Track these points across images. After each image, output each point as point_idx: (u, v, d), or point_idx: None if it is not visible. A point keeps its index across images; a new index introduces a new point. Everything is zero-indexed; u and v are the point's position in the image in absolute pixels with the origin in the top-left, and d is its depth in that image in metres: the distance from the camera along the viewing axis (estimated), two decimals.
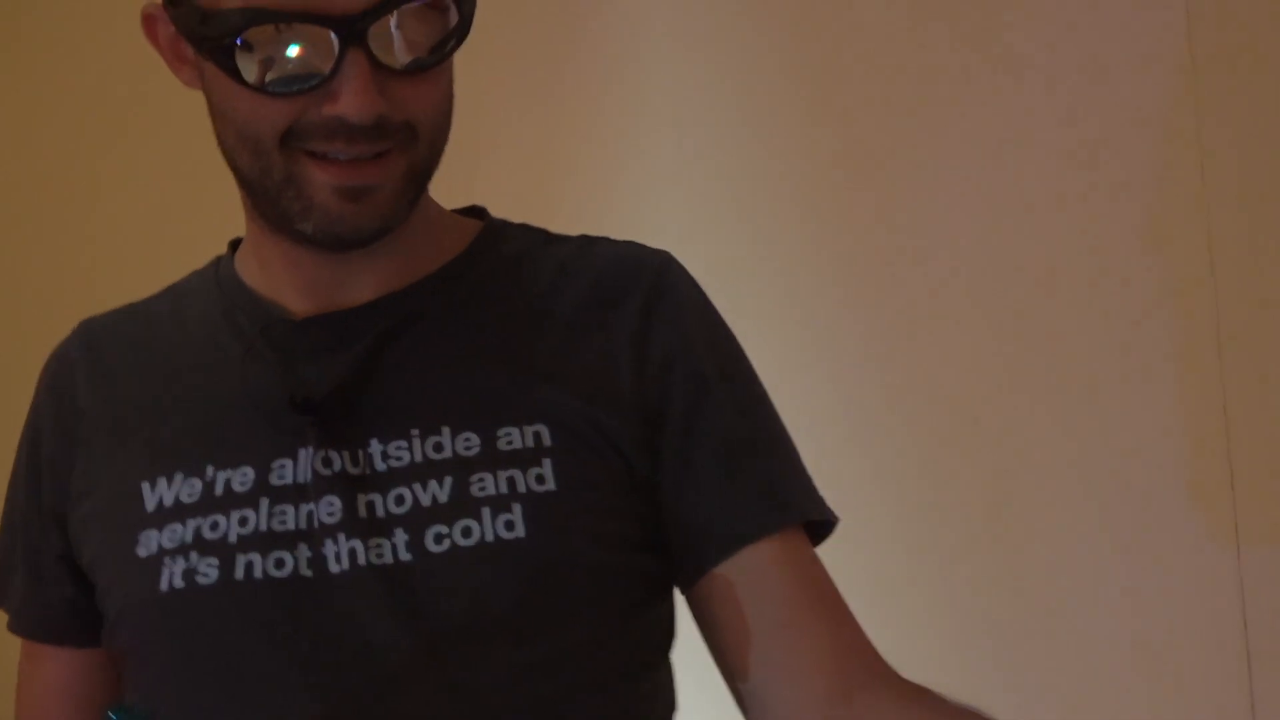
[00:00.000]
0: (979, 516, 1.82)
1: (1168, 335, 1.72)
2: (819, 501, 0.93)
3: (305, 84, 0.83)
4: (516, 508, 0.85)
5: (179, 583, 0.86)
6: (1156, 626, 1.71)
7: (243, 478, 0.88)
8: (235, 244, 1.00)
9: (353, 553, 0.85)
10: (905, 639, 1.01)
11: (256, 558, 0.86)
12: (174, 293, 1.02)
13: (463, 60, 0.89)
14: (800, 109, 1.97)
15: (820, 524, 0.93)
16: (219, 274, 0.99)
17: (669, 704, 0.95)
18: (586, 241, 0.98)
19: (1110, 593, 1.73)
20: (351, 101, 0.82)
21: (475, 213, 1.01)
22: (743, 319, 0.99)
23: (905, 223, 1.87)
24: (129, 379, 0.97)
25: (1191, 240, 1.69)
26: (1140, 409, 1.72)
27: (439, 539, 0.85)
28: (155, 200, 2.33)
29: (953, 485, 1.83)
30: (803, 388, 1.76)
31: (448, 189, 0.97)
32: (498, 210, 1.02)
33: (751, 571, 0.88)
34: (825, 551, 0.92)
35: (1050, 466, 1.78)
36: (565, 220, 1.02)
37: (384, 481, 0.87)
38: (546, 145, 2.11)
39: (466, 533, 0.85)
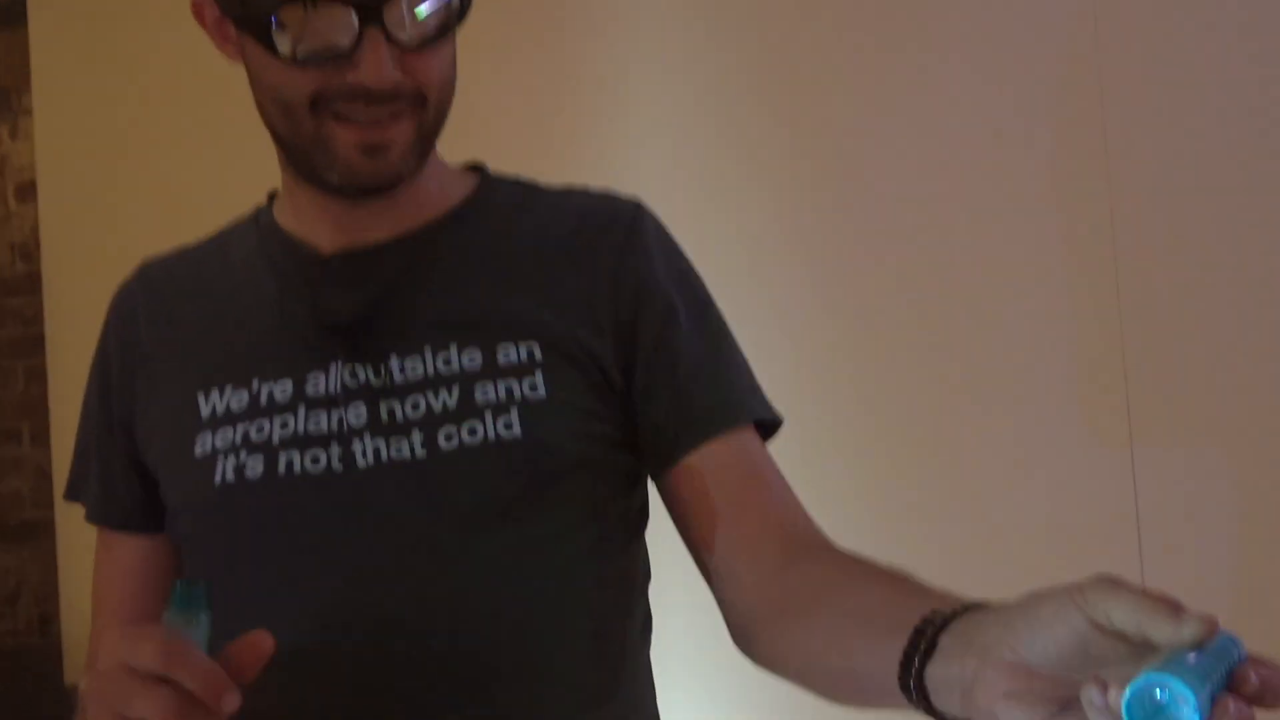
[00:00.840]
0: (922, 426, 1.99)
1: (1069, 285, 1.90)
2: (767, 405, 1.05)
3: (330, 56, 0.93)
4: (514, 411, 0.97)
5: (230, 477, 0.97)
6: (1062, 515, 1.88)
7: (283, 389, 0.99)
8: (273, 195, 1.11)
9: (377, 450, 0.96)
10: (856, 528, 1.13)
11: (296, 455, 0.97)
12: (221, 237, 1.13)
13: (467, 37, 1.00)
14: (766, 109, 2.13)
15: (769, 424, 1.05)
16: (259, 220, 1.10)
17: (645, 571, 1.08)
18: (569, 191, 1.10)
19: (1029, 491, 1.91)
20: (370, 71, 0.93)
21: (475, 168, 1.13)
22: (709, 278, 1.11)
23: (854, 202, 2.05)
24: (183, 310, 1.08)
25: (1096, 186, 1.85)
26: (1048, 344, 1.90)
27: (449, 438, 0.96)
28: (208, 159, 2.49)
29: (900, 405, 2.01)
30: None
31: (454, 147, 1.09)
32: (495, 165, 1.14)
33: (711, 462, 1.00)
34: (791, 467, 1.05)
35: (979, 392, 1.96)
36: (551, 176, 1.14)
37: (402, 391, 0.98)
38: (538, 107, 2.26)
39: (472, 432, 0.96)
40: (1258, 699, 0.62)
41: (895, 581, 0.88)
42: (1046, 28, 1.92)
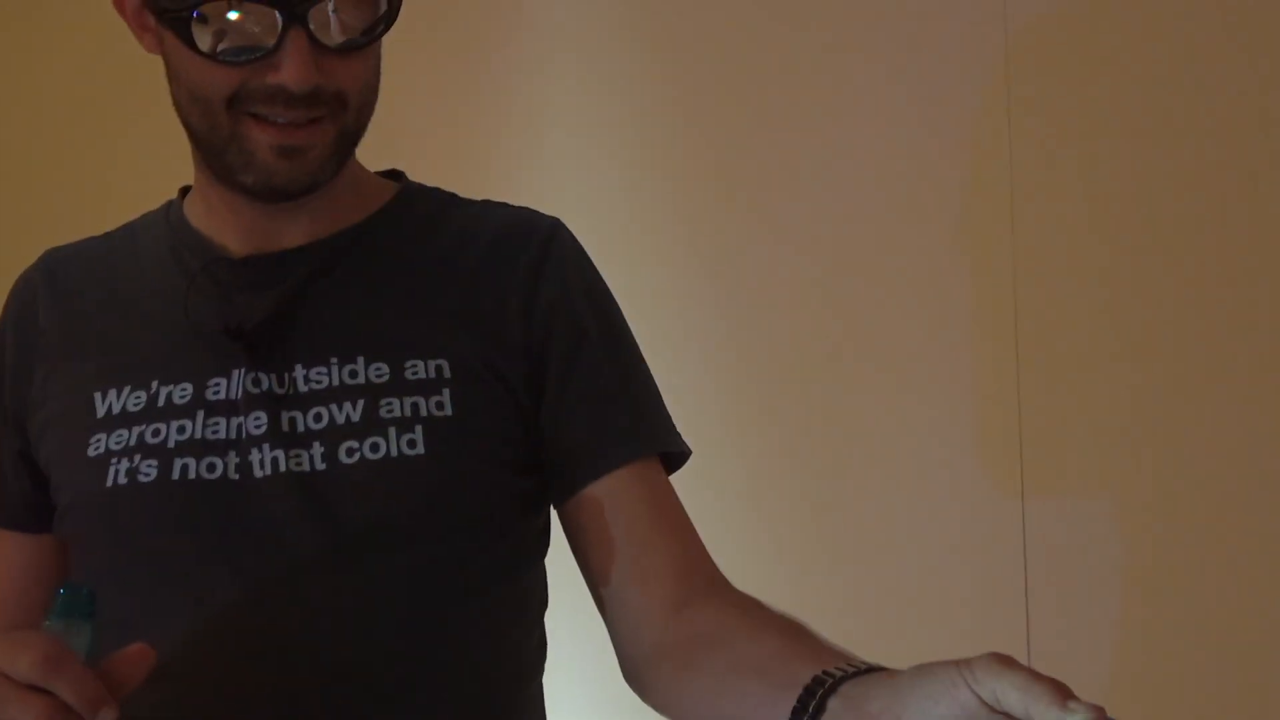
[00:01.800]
0: (816, 471, 2.02)
1: (969, 320, 1.92)
2: (675, 436, 1.04)
3: (251, 55, 0.91)
4: (418, 429, 0.95)
5: (123, 480, 0.94)
6: (951, 560, 1.90)
7: (182, 392, 0.97)
8: (185, 190, 1.08)
9: (275, 461, 0.94)
10: (751, 566, 1.13)
11: (191, 461, 0.94)
12: (129, 229, 1.09)
13: (392, 42, 0.99)
14: (672, 114, 2.13)
15: (675, 457, 1.04)
16: (169, 215, 1.07)
17: (542, 599, 1.07)
18: (488, 205, 1.09)
19: (918, 535, 1.93)
20: (291, 73, 0.91)
21: (394, 175, 1.11)
22: (622, 288, 1.11)
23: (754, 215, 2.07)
24: (85, 302, 1.04)
25: (998, 241, 1.88)
26: (943, 387, 1.93)
27: (350, 452, 0.94)
28: (117, 151, 2.43)
29: (797, 439, 2.03)
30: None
31: (372, 154, 1.07)
32: (414, 175, 1.12)
33: (614, 493, 0.99)
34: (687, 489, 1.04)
35: (870, 434, 1.98)
36: (471, 189, 1.13)
37: (305, 401, 0.96)
38: (460, 120, 2.26)
39: (374, 448, 0.94)
40: None
41: (790, 634, 0.88)
42: (956, 52, 1.96)
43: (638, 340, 1.08)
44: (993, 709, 0.65)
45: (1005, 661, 0.65)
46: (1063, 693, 0.63)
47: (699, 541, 1.02)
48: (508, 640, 1.01)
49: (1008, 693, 0.63)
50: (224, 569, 0.94)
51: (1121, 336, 1.87)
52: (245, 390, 0.97)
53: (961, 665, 0.66)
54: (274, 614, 0.93)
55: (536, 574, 1.06)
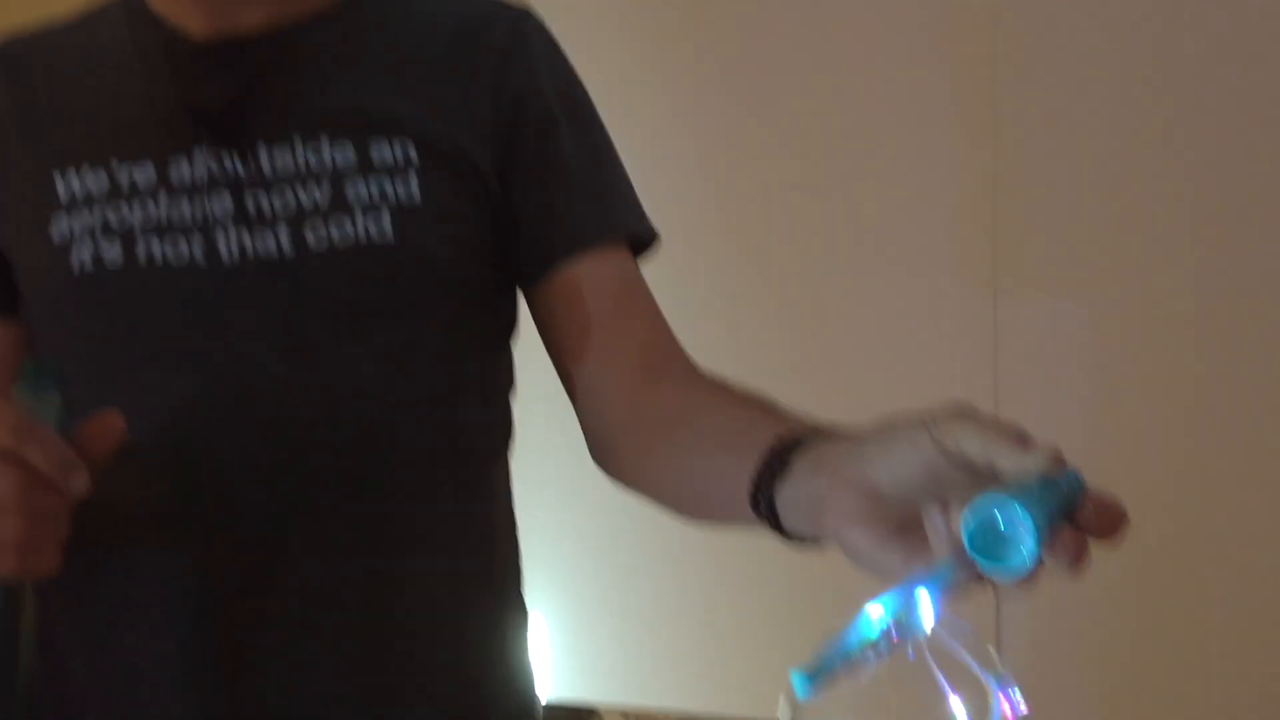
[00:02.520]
0: (789, 261, 2.04)
1: (948, 117, 1.92)
2: (644, 221, 1.05)
3: None
4: (385, 212, 0.95)
5: (89, 266, 0.94)
6: (922, 357, 1.93)
7: (145, 174, 0.96)
8: None
9: (241, 244, 0.94)
10: (723, 357, 1.14)
11: (156, 243, 0.94)
12: (88, 16, 1.07)
13: None
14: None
15: (645, 243, 1.04)
16: (129, 1, 1.04)
17: (509, 381, 1.08)
18: None
19: (889, 332, 1.96)
20: None
21: None
22: None
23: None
24: (45, 86, 1.03)
25: (979, 35, 1.88)
26: (920, 185, 1.95)
27: (317, 235, 0.94)
28: None
29: (771, 228, 2.06)
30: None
31: None
32: None
33: (582, 276, 1.00)
34: None
35: (846, 230, 2.00)
36: None
37: (269, 182, 0.95)
38: None
39: (341, 232, 0.94)
40: (1094, 532, 0.64)
41: (756, 405, 0.88)
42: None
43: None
44: (954, 459, 0.66)
45: (967, 411, 0.66)
46: (1023, 440, 0.64)
47: (666, 324, 1.02)
48: (474, 421, 1.02)
49: (969, 439, 0.64)
50: (191, 353, 0.94)
51: (1101, 138, 1.87)
52: (209, 171, 0.96)
53: (924, 417, 0.67)
54: (239, 397, 0.93)
55: (503, 357, 1.07)
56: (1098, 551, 0.64)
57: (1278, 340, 1.79)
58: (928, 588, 0.61)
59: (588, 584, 2.21)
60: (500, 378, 1.07)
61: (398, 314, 0.96)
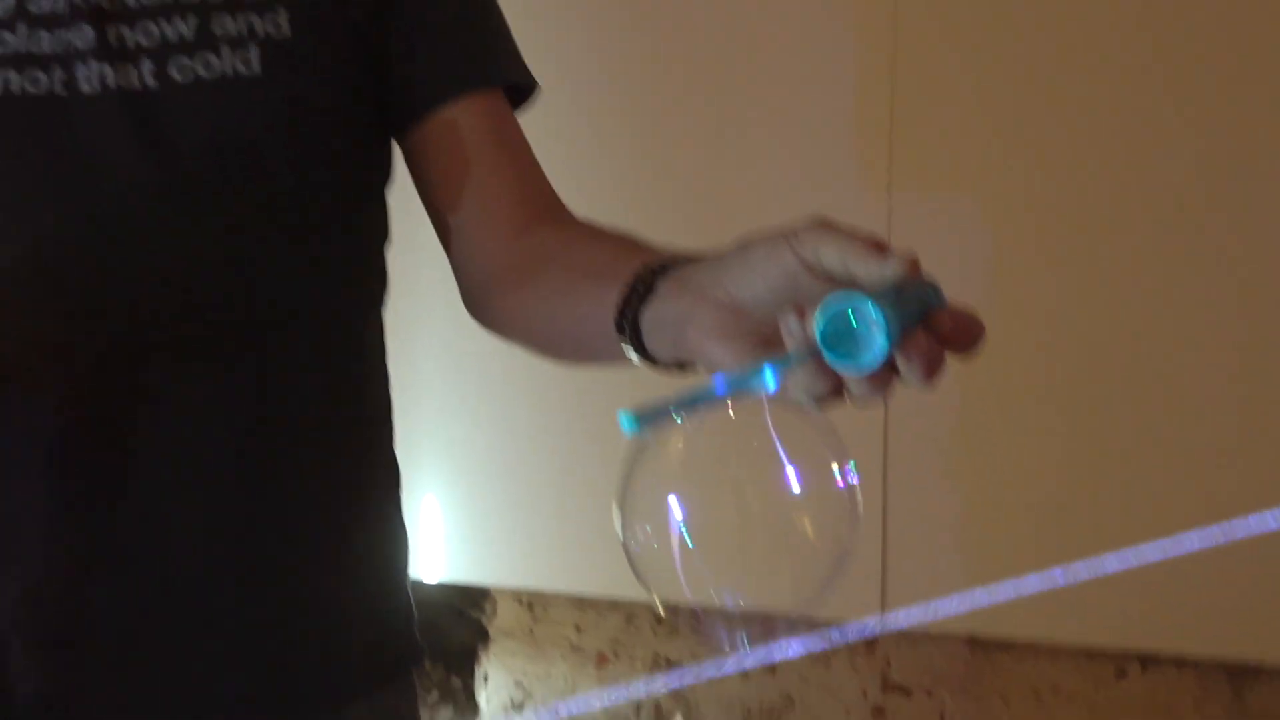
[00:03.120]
0: (680, 146, 2.03)
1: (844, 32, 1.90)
2: (523, 69, 1.03)
3: None
4: (254, 48, 0.92)
5: None
6: None
7: (2, 4, 0.92)
8: None
9: (103, 76, 0.91)
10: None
11: (14, 75, 0.91)
12: None
13: None
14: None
15: (523, 95, 1.03)
16: None
17: (383, 231, 1.06)
18: None
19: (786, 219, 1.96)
20: None
21: None
22: None
23: None
24: None
25: None
26: (818, 75, 1.94)
27: (182, 70, 0.91)
28: None
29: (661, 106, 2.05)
30: None
31: None
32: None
33: (456, 121, 0.98)
34: None
35: (740, 117, 1.99)
36: None
37: (133, 15, 0.92)
38: None
39: (208, 66, 0.91)
40: (949, 341, 0.65)
41: (628, 241, 0.89)
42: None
43: None
44: (815, 271, 0.66)
45: (826, 222, 0.67)
46: (879, 247, 0.65)
47: (541, 172, 1.02)
48: (346, 271, 1.01)
49: (828, 250, 0.65)
50: (49, 194, 0.91)
51: (997, 38, 1.86)
52: (69, 3, 0.92)
53: (785, 230, 0.68)
54: (96, 237, 0.91)
55: (376, 205, 1.05)
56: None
57: (1169, 236, 1.82)
58: (771, 367, 0.63)
59: (482, 464, 2.21)
60: (374, 226, 1.05)
61: (265, 154, 0.93)
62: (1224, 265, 1.79)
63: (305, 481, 0.98)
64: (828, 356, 0.62)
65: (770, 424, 0.65)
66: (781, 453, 0.65)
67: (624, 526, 0.67)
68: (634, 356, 0.79)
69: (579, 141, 2.06)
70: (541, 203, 0.99)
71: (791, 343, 0.64)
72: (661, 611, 0.68)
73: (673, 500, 0.65)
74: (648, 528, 0.66)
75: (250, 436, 0.94)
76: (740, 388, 0.63)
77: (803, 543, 0.66)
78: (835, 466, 0.66)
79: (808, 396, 0.66)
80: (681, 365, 0.77)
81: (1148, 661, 1.96)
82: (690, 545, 0.65)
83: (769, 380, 0.63)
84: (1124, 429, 1.85)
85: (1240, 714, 1.92)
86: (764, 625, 0.68)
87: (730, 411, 0.66)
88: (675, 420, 0.64)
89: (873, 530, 1.96)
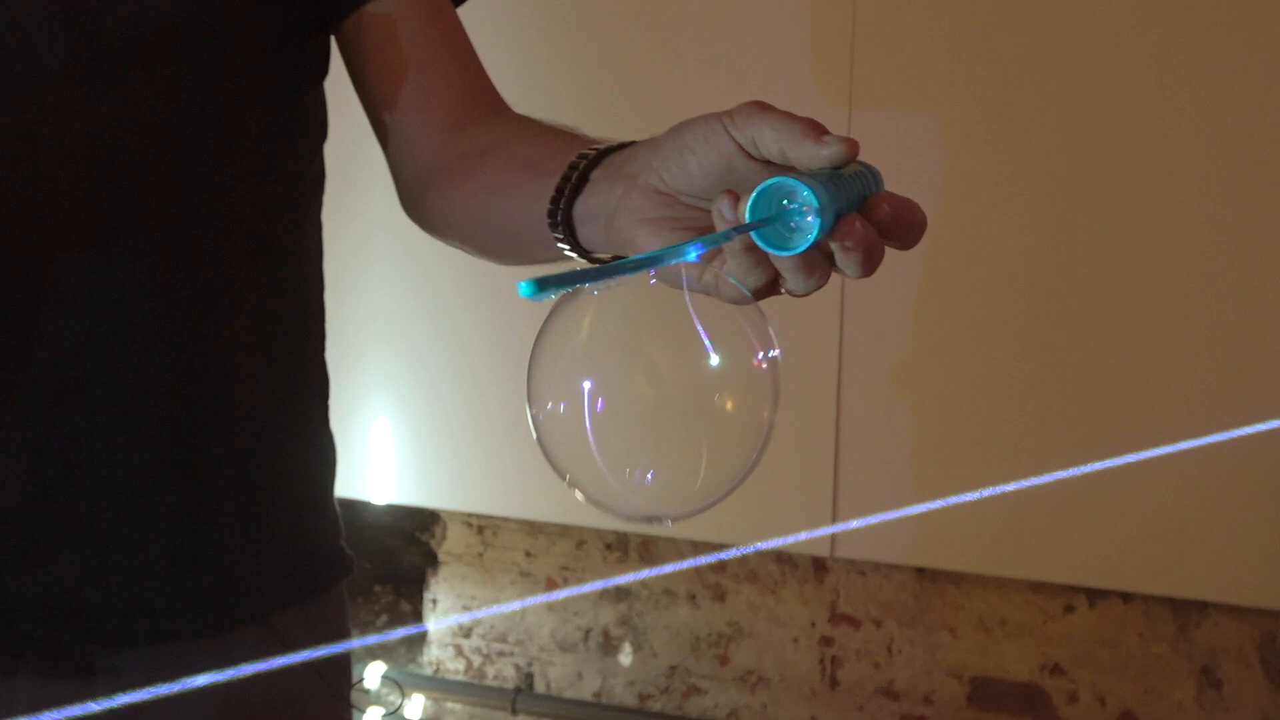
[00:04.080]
0: (636, 69, 1.98)
1: None
2: None
3: None
4: None
5: None
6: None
7: None
8: None
9: None
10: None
11: None
12: None
13: None
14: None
15: None
16: None
17: (321, 127, 1.02)
18: None
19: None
20: None
21: None
22: None
23: None
24: None
25: None
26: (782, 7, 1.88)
27: None
28: None
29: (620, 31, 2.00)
30: None
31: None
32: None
33: (392, 14, 0.94)
34: None
35: (700, 35, 1.96)
36: None
37: None
38: None
39: None
40: (886, 228, 0.62)
41: (565, 134, 0.85)
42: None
43: None
44: (751, 156, 0.64)
45: (763, 106, 0.64)
46: (817, 129, 0.62)
47: (481, 68, 0.98)
48: (273, 166, 0.96)
49: (763, 134, 0.62)
50: None
51: None
52: None
53: (721, 114, 0.65)
54: (10, 119, 0.85)
55: (313, 100, 1.00)
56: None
57: (1129, 153, 1.80)
58: (695, 245, 0.61)
59: (433, 387, 2.19)
60: (311, 122, 1.00)
61: (187, 35, 0.88)
62: (1186, 181, 1.78)
63: (226, 381, 0.93)
64: (758, 240, 0.60)
65: (688, 300, 0.62)
66: (699, 327, 0.62)
67: (532, 403, 0.64)
68: (568, 250, 0.76)
69: (529, 49, 2.02)
70: (480, 99, 0.95)
71: (722, 227, 0.62)
72: (578, 494, 0.65)
73: (585, 378, 0.63)
74: (560, 405, 0.63)
75: (166, 330, 0.90)
76: (660, 263, 0.61)
77: (721, 422, 0.63)
78: (755, 343, 0.63)
79: (741, 288, 0.63)
80: (616, 259, 0.73)
81: (1095, 596, 1.97)
82: (600, 423, 0.62)
83: (690, 255, 0.60)
84: (1080, 353, 1.84)
85: (1185, 649, 1.94)
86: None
87: (649, 283, 0.63)
88: (584, 289, 0.61)
89: (824, 460, 1.95)
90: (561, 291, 0.58)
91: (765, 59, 1.92)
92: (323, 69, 1.00)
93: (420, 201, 0.95)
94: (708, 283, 0.65)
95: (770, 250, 0.60)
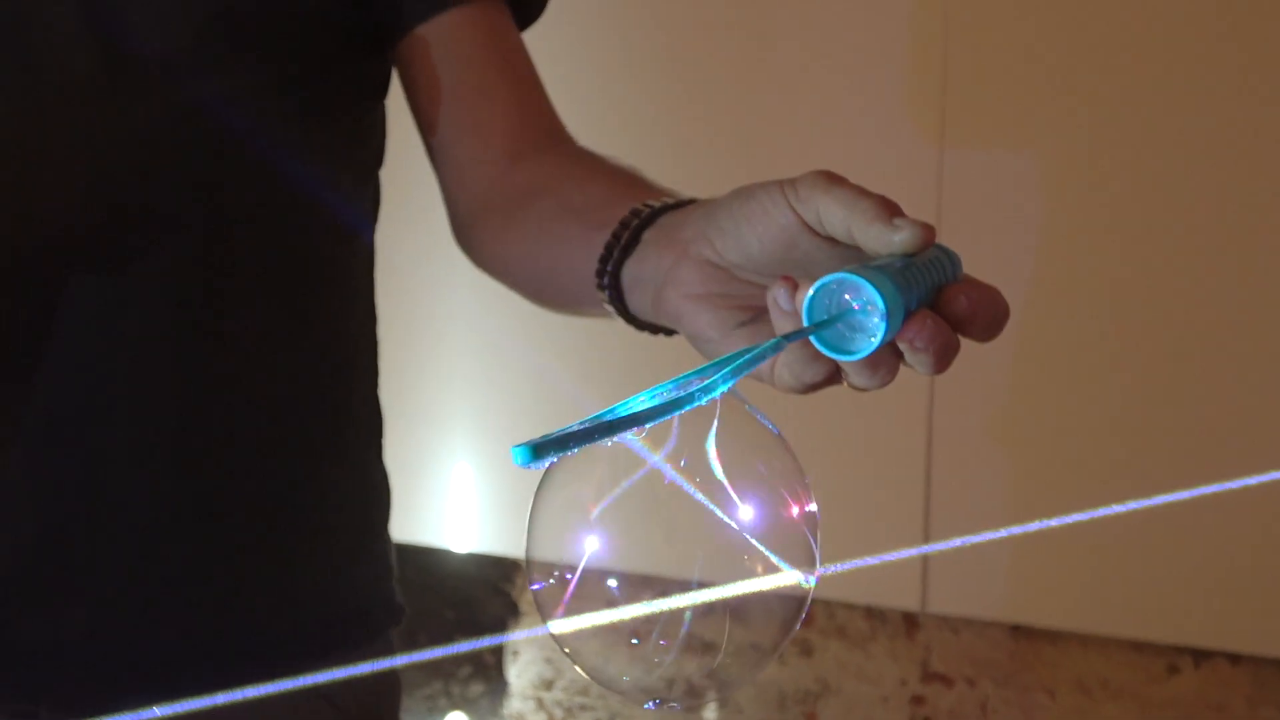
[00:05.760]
0: (733, 99, 1.95)
1: None
2: None
3: None
4: None
5: None
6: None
7: None
8: None
9: None
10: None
11: None
12: None
13: None
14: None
15: (528, 11, 0.95)
16: None
17: (377, 149, 0.98)
18: None
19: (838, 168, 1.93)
20: None
21: None
22: None
23: None
24: None
25: None
26: (872, 26, 1.86)
27: None
28: None
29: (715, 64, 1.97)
30: None
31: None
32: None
33: (449, 35, 0.89)
34: None
35: (793, 70, 1.92)
36: None
37: None
38: None
39: None
40: (962, 323, 0.56)
41: (621, 179, 0.81)
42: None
43: None
44: (815, 232, 0.58)
45: (831, 178, 0.58)
46: (889, 209, 0.56)
47: (543, 93, 0.93)
48: (317, 190, 0.91)
49: (830, 210, 0.57)
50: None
51: None
52: None
53: (784, 183, 0.59)
54: (41, 142, 0.82)
55: (368, 121, 0.96)
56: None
57: (1230, 193, 1.74)
58: (733, 364, 0.53)
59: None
60: (368, 142, 0.97)
61: (249, 46, 0.85)
62: None
63: (252, 417, 0.88)
64: (817, 344, 0.54)
65: (714, 449, 0.54)
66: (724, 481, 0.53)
67: (531, 570, 0.56)
68: (615, 314, 0.71)
69: (610, 82, 2.00)
70: (540, 130, 0.91)
71: (777, 319, 0.56)
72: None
73: (588, 540, 0.54)
74: (563, 576, 0.55)
75: (184, 361, 0.85)
76: (682, 408, 0.52)
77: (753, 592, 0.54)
78: (787, 494, 0.55)
79: (797, 382, 0.58)
80: (664, 330, 0.68)
81: (1200, 657, 1.88)
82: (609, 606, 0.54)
83: (718, 390, 0.53)
84: (1187, 401, 1.76)
85: None
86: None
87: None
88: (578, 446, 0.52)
89: (914, 510, 1.89)
90: (562, 456, 0.50)
91: (854, 93, 1.88)
92: (377, 91, 0.96)
93: (470, 235, 0.91)
94: (761, 371, 0.59)
95: (830, 354, 0.54)
